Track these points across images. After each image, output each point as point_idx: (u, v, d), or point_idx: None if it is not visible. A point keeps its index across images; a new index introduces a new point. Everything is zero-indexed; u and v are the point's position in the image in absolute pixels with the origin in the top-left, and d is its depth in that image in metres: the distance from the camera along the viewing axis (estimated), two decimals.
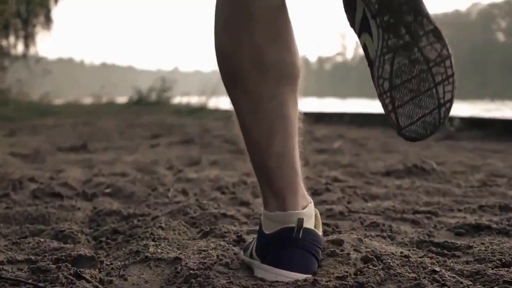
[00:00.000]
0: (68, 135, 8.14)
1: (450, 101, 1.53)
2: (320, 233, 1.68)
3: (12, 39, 24.70)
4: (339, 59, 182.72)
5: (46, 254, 1.84)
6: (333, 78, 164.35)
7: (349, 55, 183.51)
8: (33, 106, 15.81)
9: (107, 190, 2.99)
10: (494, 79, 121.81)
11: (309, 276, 1.57)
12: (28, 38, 24.86)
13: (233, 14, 1.60)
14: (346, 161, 4.75)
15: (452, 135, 7.68)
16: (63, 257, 1.73)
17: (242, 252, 1.79)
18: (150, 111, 15.51)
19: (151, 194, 2.81)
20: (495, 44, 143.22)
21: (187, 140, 6.78)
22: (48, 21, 25.77)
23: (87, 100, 21.70)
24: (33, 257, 1.79)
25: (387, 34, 1.50)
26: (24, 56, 23.95)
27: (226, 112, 14.13)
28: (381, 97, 1.55)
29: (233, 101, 1.73)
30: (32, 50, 24.70)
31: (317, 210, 1.75)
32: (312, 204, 1.73)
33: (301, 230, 1.61)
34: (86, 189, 3.07)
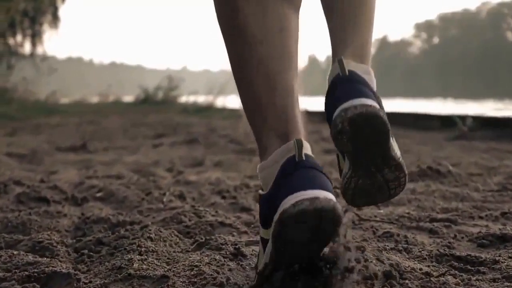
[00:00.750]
0: (70, 135, 7.94)
1: (398, 192, 1.76)
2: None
3: (19, 37, 24.64)
4: None
5: (17, 270, 1.62)
6: None
7: None
8: (39, 105, 15.63)
9: (99, 194, 2.77)
10: (503, 78, 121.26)
11: (331, 195, 1.40)
12: (36, 37, 24.74)
13: None
14: None
15: (464, 134, 7.45)
16: (35, 274, 1.53)
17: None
18: (156, 110, 15.32)
19: (145, 199, 2.59)
20: (504, 43, 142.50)
21: (191, 140, 6.57)
22: (55, 19, 25.64)
23: (94, 99, 21.54)
24: (1, 274, 1.58)
25: (357, 168, 1.61)
26: (31, 55, 23.83)
27: (233, 111, 13.97)
28: (344, 192, 1.71)
29: (238, 30, 1.56)
30: (39, 49, 24.63)
31: None
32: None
33: (302, 152, 1.47)
34: (77, 193, 2.86)
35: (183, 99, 17.86)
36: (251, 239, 1.97)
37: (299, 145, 1.46)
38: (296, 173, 1.42)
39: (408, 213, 2.34)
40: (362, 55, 1.69)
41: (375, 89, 1.67)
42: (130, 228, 2.02)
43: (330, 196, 1.40)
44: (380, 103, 1.63)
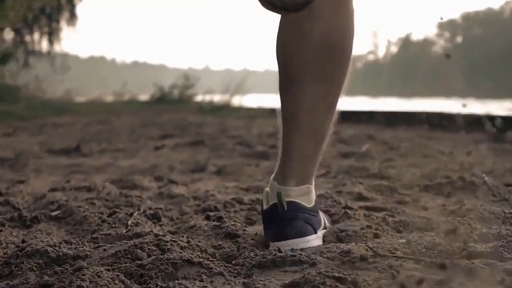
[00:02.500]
0: (72, 135, 7.46)
1: None
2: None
3: (36, 35, 24.30)
4: (371, 57, 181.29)
5: None
6: (364, 76, 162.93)
7: (381, 53, 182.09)
8: (50, 104, 15.20)
9: (55, 213, 2.25)
10: None
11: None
12: (52, 35, 24.42)
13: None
14: (375, 169, 3.99)
15: (493, 136, 6.89)
16: None
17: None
18: (171, 109, 14.89)
19: (106, 221, 2.07)
20: None
21: (197, 142, 6.06)
22: (72, 17, 25.32)
23: (109, 98, 21.15)
24: None
25: None
26: (48, 53, 23.51)
27: (249, 110, 13.49)
28: None
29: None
30: (56, 47, 24.33)
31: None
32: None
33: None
34: (30, 210, 2.34)
35: (199, 98, 17.39)
36: (227, 285, 1.46)
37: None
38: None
39: (438, 243, 1.80)
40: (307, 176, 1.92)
41: (313, 201, 1.93)
42: (62, 270, 1.49)
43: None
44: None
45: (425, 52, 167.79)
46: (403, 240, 1.83)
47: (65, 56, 24.91)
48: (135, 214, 2.08)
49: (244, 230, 1.97)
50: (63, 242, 1.83)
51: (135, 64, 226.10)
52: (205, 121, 9.86)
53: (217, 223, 2.05)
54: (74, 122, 10.38)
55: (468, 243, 1.88)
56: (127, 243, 1.71)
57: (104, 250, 1.70)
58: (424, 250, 1.74)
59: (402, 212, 2.32)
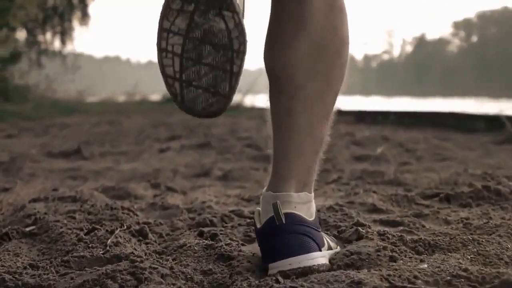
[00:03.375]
0: (78, 136, 7.22)
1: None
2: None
3: (48, 34, 24.14)
4: (386, 57, 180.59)
5: None
6: (379, 76, 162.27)
7: (396, 52, 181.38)
8: (60, 104, 14.99)
9: (29, 229, 1.99)
10: None
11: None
12: (65, 34, 24.27)
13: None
14: (390, 174, 3.74)
15: None
16: None
17: None
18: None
19: (83, 240, 1.80)
20: None
21: (205, 144, 5.80)
22: (85, 16, 25.16)
23: (121, 98, 20.96)
24: None
25: None
26: (60, 52, 23.35)
27: (261, 110, 13.21)
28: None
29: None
30: (69, 46, 24.17)
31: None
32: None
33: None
34: (4, 225, 2.08)
35: None
36: None
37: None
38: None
39: (465, 269, 1.53)
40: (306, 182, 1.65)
41: (313, 214, 1.65)
42: None
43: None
44: None
45: (440, 52, 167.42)
46: (424, 266, 1.56)
47: (77, 55, 24.73)
48: (117, 231, 1.81)
49: (240, 251, 1.71)
50: (28, 267, 1.58)
51: (150, 63, 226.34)
52: (216, 122, 9.59)
53: (210, 242, 1.78)
54: (83, 123, 10.15)
55: (500, 267, 1.62)
56: (98, 270, 1.45)
57: (72, 278, 1.44)
58: (449, 277, 1.48)
59: (421, 227, 2.05)
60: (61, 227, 1.90)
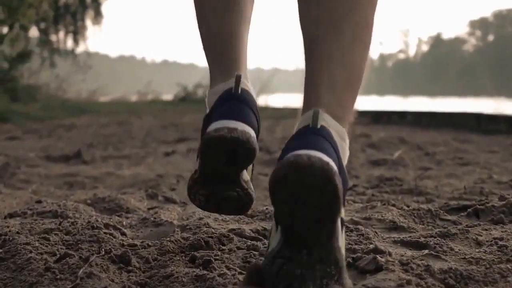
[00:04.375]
0: (84, 138, 6.97)
1: None
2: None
3: (61, 34, 23.99)
4: (401, 56, 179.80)
5: None
6: (394, 75, 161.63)
7: (411, 52, 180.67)
8: (71, 104, 14.78)
9: None
10: None
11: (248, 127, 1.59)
12: (78, 34, 24.13)
13: None
14: (410, 181, 3.45)
15: None
16: None
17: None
18: (195, 109, 14.40)
19: (52, 269, 1.52)
20: None
21: None
22: (98, 15, 25.02)
23: (133, 98, 20.78)
24: None
25: (288, 244, 1.29)
26: (73, 51, 23.22)
27: (275, 110, 12.95)
28: None
29: None
30: (81, 46, 24.06)
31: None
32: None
33: (239, 86, 1.65)
34: None
35: None
36: None
37: (237, 80, 1.65)
38: (227, 103, 1.63)
39: None
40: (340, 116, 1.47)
41: (345, 161, 1.47)
42: None
43: (248, 129, 1.58)
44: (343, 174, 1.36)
45: (456, 51, 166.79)
46: None
47: (90, 55, 24.59)
48: (92, 258, 1.53)
49: (235, 284, 1.43)
50: None
51: (165, 63, 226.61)
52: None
53: (202, 272, 1.50)
54: (91, 123, 9.91)
55: None
56: None
57: None
58: None
59: (449, 250, 1.76)
60: (31, 252, 1.63)
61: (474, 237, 1.92)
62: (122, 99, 20.26)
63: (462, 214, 2.29)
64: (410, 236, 1.94)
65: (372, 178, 3.72)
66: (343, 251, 1.30)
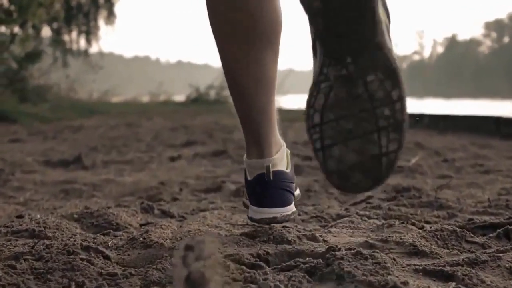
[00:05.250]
0: (89, 141, 6.75)
1: (396, 152, 1.29)
2: (289, 170, 1.93)
3: (74, 34, 23.86)
4: (416, 57, 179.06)
5: None
6: (409, 77, 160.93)
7: (426, 53, 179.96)
8: (81, 105, 14.59)
9: None
10: None
11: (289, 207, 1.90)
12: (90, 34, 24.02)
13: None
14: (429, 193, 3.20)
15: None
16: None
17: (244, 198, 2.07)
18: (207, 110, 14.20)
19: None
20: None
21: (221, 151, 5.28)
22: (111, 15, 24.91)
23: (145, 99, 20.60)
24: None
25: (328, 59, 1.25)
26: (86, 52, 23.10)
27: (289, 112, 12.66)
28: (309, 131, 1.36)
29: (223, 51, 1.75)
30: (95, 46, 23.94)
31: (288, 150, 1.98)
32: (284, 145, 1.95)
33: (270, 173, 1.85)
34: None
35: None
36: None
37: (267, 170, 1.85)
38: (262, 193, 1.87)
39: None
40: None
41: None
42: None
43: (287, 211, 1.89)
44: None
45: (471, 52, 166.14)
46: None
47: (103, 55, 24.49)
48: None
49: None
50: None
51: (179, 63, 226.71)
52: (238, 124, 9.09)
53: None
54: (100, 125, 9.70)
55: None
56: None
57: None
58: None
59: (480, 283, 1.51)
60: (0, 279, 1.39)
61: (507, 265, 1.67)
62: (133, 100, 20.07)
63: (491, 235, 2.03)
64: (434, 264, 1.69)
65: (387, 188, 3.47)
66: (388, 38, 1.30)
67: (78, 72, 18.64)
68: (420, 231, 2.04)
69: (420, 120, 9.24)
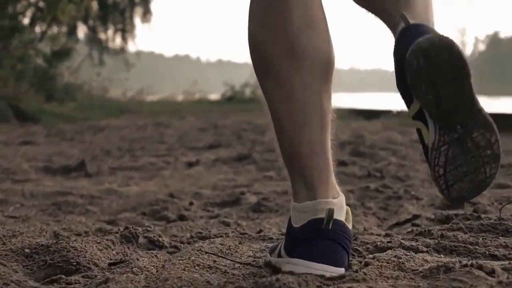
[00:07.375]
0: (105, 143, 6.25)
1: (496, 173, 1.57)
2: (350, 227, 1.65)
3: (110, 32, 23.57)
4: None
5: None
6: None
7: (468, 51, 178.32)
8: (113, 104, 14.17)
9: None
10: None
11: (341, 269, 1.56)
12: (126, 32, 23.73)
13: (268, 2, 1.60)
14: (487, 208, 2.64)
15: None
16: None
17: (268, 254, 1.74)
18: (242, 109, 13.72)
19: None
20: None
21: (245, 156, 4.71)
22: (147, 13, 24.59)
23: (180, 97, 20.20)
24: None
25: (444, 131, 1.54)
26: (122, 50, 22.83)
27: (339, 111, 12.05)
28: (436, 180, 1.57)
29: (265, 91, 1.65)
30: (131, 44, 23.70)
31: (348, 208, 1.67)
32: (343, 197, 1.66)
33: (331, 221, 1.58)
34: None
35: None
36: None
37: (330, 215, 1.58)
38: (315, 242, 1.57)
39: None
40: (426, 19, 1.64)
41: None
42: None
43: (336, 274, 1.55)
44: None
45: None
46: None
47: (139, 53, 24.20)
48: None
49: None
50: None
51: (219, 62, 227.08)
52: (269, 125, 8.54)
53: None
54: (127, 125, 9.22)
55: None
56: None
57: None
58: None
59: None
60: None
61: None
62: (168, 99, 19.66)
63: None
64: None
65: (436, 202, 2.90)
66: (483, 108, 1.53)
67: (111, 70, 18.28)
68: (490, 278, 1.44)
69: None
